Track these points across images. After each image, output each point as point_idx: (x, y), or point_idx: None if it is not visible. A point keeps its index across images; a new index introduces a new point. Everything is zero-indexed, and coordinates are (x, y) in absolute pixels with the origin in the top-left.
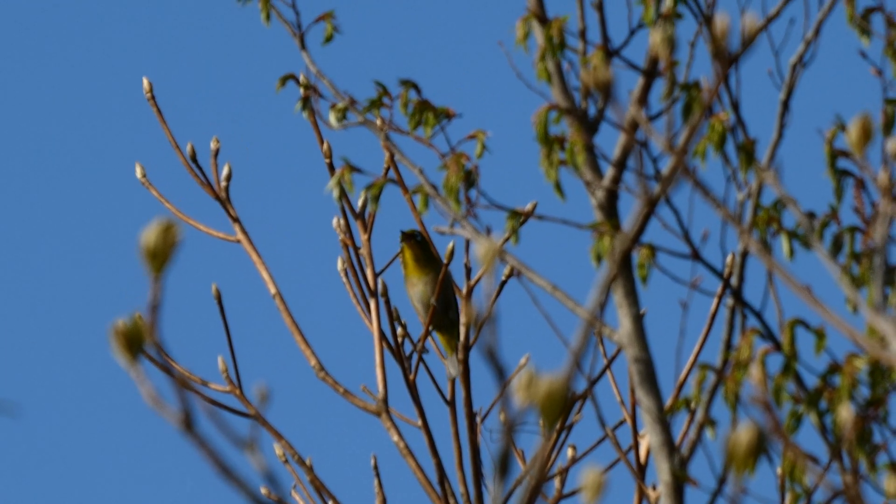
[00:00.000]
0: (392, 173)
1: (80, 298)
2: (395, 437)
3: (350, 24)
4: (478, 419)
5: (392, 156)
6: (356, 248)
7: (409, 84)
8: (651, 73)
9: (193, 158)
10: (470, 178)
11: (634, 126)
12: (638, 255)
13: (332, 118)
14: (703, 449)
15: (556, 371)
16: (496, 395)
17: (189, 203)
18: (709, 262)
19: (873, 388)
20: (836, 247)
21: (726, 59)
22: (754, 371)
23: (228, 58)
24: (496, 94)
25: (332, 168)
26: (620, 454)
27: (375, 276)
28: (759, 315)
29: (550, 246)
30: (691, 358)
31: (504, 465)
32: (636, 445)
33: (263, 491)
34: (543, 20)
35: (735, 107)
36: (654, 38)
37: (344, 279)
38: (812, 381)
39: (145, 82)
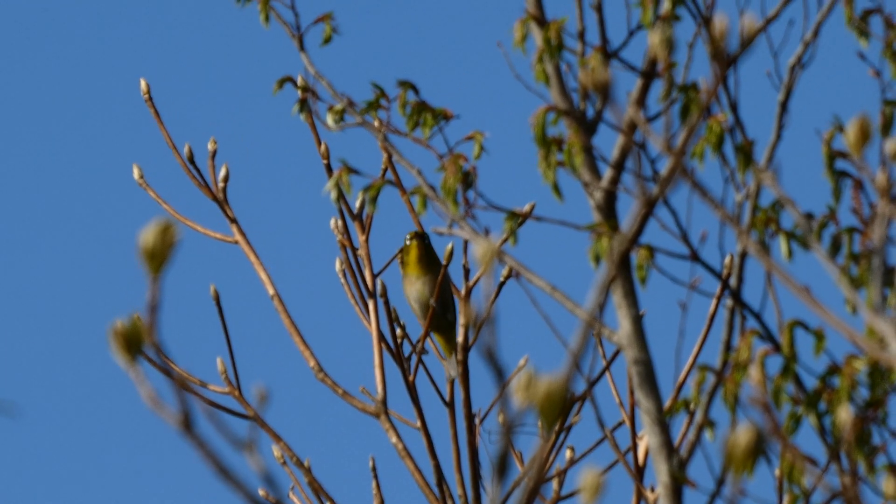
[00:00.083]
0: (390, 174)
1: (78, 299)
2: (394, 439)
3: (349, 25)
4: (477, 420)
5: (390, 157)
6: (354, 250)
7: (407, 85)
8: (649, 75)
9: (191, 160)
10: (468, 180)
11: (633, 127)
12: (637, 256)
13: (329, 119)
14: (702, 450)
15: (555, 372)
16: (495, 397)
17: (187, 204)
18: (707, 263)
19: (872, 389)
20: (835, 248)
21: (725, 61)
22: (753, 372)
23: (227, 59)
24: (494, 96)
25: (329, 169)
26: (619, 455)
27: (374, 277)
28: (758, 316)
29: (549, 247)
30: (690, 359)
31: (502, 467)
32: (635, 447)
33: (261, 492)
34: (542, 22)
35: (733, 108)
36: (653, 39)
37: (342, 280)
38: (811, 383)
39: (143, 83)
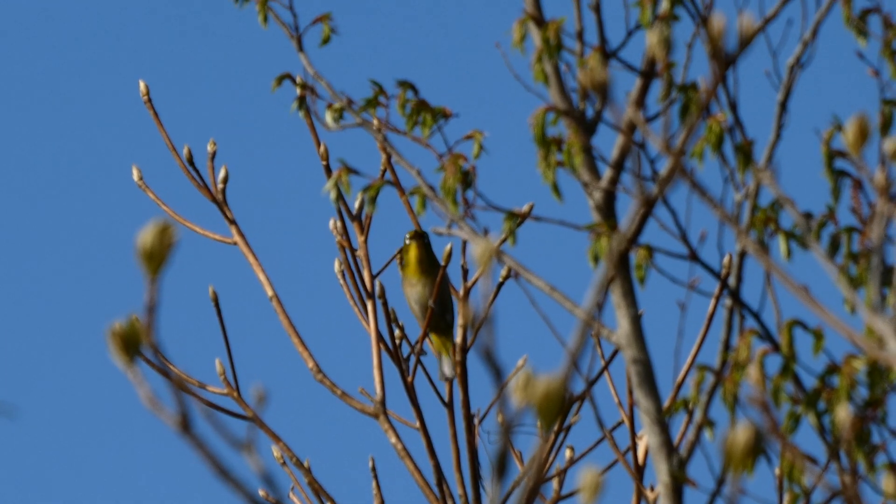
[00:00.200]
0: (389, 175)
1: (77, 300)
2: (393, 439)
3: (347, 25)
4: (476, 421)
5: (389, 157)
6: (353, 251)
7: (406, 85)
8: (648, 75)
9: (190, 161)
10: (467, 180)
11: (632, 127)
12: (636, 256)
13: (328, 118)
14: (702, 450)
15: (554, 372)
16: (494, 397)
17: (186, 205)
18: (706, 262)
19: (872, 388)
20: (834, 247)
21: (724, 61)
22: (753, 372)
23: (226, 60)
24: (494, 96)
25: (328, 170)
26: (618, 455)
27: (372, 278)
28: (757, 316)
29: (548, 247)
30: (689, 359)
31: (502, 467)
32: (634, 446)
33: (261, 493)
34: (540, 22)
35: (733, 108)
36: (652, 39)
37: (341, 281)
38: (810, 382)
39: (142, 85)
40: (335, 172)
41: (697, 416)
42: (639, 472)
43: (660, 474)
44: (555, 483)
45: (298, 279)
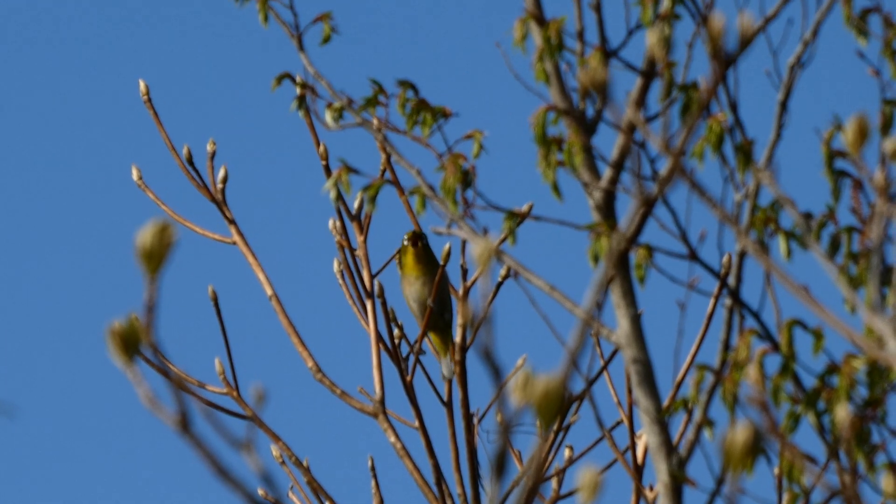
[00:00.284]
0: (388, 174)
1: (76, 300)
2: (392, 438)
3: (348, 25)
4: (475, 420)
5: (389, 157)
6: (352, 250)
7: (406, 84)
8: (649, 74)
9: (190, 161)
10: (467, 179)
11: (632, 127)
12: (635, 256)
13: (328, 118)
14: (702, 449)
15: (553, 371)
16: (493, 396)
17: (185, 205)
18: (706, 262)
19: (871, 388)
20: (834, 247)
21: (724, 60)
22: (752, 371)
23: (226, 59)
24: (494, 96)
25: (328, 170)
26: (618, 454)
27: (372, 277)
28: (756, 315)
29: (548, 247)
30: (689, 358)
31: (501, 466)
32: (633, 446)
33: (260, 492)
34: (541, 21)
35: (733, 107)
36: (652, 38)
37: (340, 281)
38: (810, 382)
39: (142, 85)
40: (335, 172)
41: (697, 415)
42: (638, 471)
43: (659, 474)
44: (554, 482)
45: (298, 279)
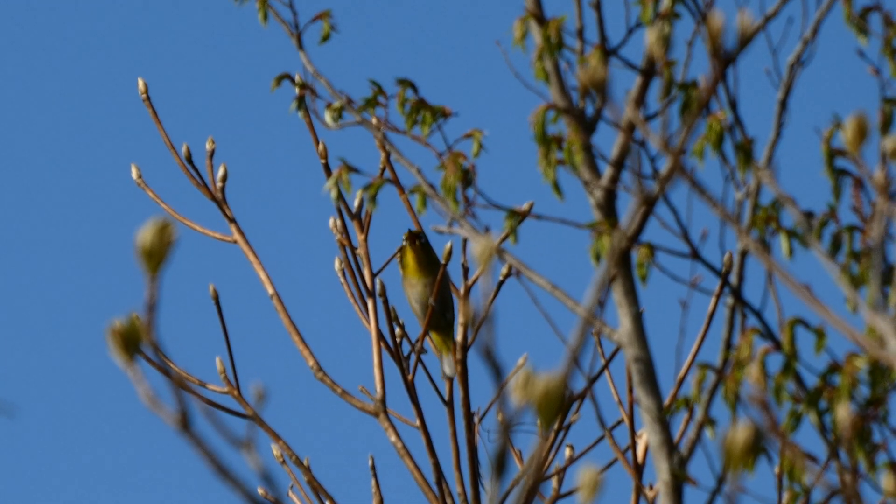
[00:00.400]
0: (388, 173)
1: (77, 299)
2: (393, 438)
3: (347, 23)
4: (475, 419)
5: (389, 155)
6: (353, 249)
7: (406, 83)
8: (649, 73)
9: (189, 159)
10: (468, 178)
11: (632, 126)
12: (637, 255)
13: (327, 117)
14: (703, 448)
15: (554, 370)
16: (494, 395)
17: (185, 204)
18: (708, 261)
19: (873, 387)
20: (835, 246)
21: (724, 59)
22: (754, 370)
23: (225, 58)
24: (494, 95)
25: (328, 169)
26: (618, 454)
27: (373, 276)
28: (758, 314)
29: (549, 245)
30: (690, 357)
31: (501, 465)
32: (634, 445)
33: (260, 491)
34: (541, 20)
35: (733, 106)
36: (652, 37)
37: (341, 279)
38: (812, 381)
39: (141, 83)
40: (335, 171)
41: (698, 414)
42: (638, 470)
43: (660, 473)
44: (554, 481)
45: (299, 277)
